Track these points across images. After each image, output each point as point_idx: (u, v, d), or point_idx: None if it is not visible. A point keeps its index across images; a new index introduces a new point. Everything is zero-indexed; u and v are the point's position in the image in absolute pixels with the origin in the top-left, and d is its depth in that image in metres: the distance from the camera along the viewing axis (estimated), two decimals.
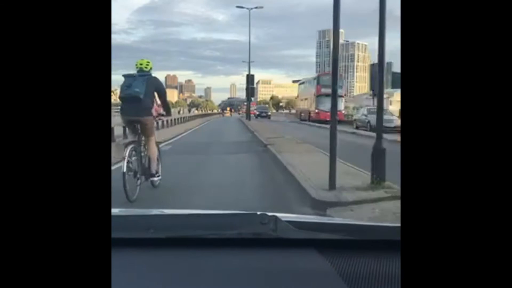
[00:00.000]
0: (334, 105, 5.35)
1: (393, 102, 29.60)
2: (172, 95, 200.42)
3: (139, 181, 4.76)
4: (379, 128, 5.34)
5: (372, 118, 15.41)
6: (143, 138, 4.93)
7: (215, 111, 76.03)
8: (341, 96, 30.17)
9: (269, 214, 0.93)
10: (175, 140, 13.74)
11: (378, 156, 5.01)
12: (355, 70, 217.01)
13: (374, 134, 5.77)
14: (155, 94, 4.95)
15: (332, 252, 0.88)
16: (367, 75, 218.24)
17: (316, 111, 30.92)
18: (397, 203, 3.76)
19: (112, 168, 7.08)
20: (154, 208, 1.96)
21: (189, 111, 46.43)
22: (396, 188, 4.58)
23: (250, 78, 35.51)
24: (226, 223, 0.96)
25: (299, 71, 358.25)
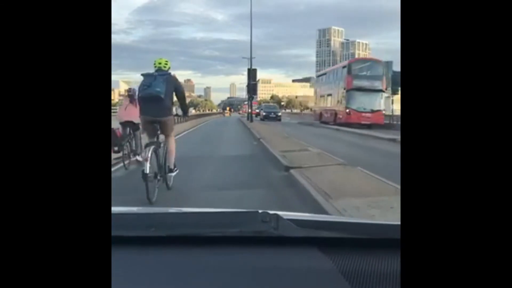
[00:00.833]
0: None
1: (394, 101, 27.11)
2: None
3: (158, 182, 4.75)
4: None
5: None
6: (161, 138, 4.89)
7: (214, 110, 75.87)
8: (381, 91, 23.65)
9: (271, 212, 0.93)
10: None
11: None
12: None
13: None
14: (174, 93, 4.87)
15: (334, 250, 0.88)
16: None
17: (347, 111, 23.38)
18: None
19: (116, 167, 7.13)
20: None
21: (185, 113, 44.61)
22: None
23: (251, 73, 32.03)
24: (227, 221, 0.96)
25: (299, 71, 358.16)
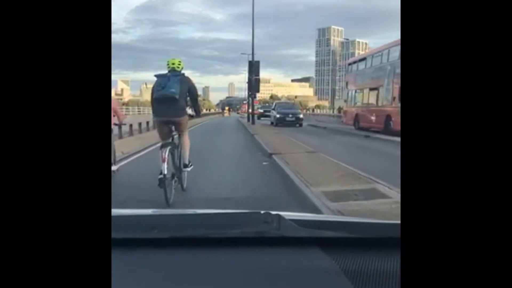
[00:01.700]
0: None
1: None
2: None
3: (175, 184, 4.77)
4: None
5: None
6: (176, 138, 4.93)
7: (213, 110, 75.63)
8: None
9: (273, 212, 0.94)
10: None
11: None
12: None
13: None
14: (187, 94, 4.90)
15: (336, 250, 0.89)
16: None
17: None
18: None
19: (118, 166, 7.15)
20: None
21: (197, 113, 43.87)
22: None
23: (254, 67, 25.62)
24: (229, 222, 0.97)
25: (298, 70, 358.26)
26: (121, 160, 7.84)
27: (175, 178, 4.77)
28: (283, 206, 4.26)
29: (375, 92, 17.52)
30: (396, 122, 14.74)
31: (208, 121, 32.96)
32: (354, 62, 21.36)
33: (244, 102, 77.11)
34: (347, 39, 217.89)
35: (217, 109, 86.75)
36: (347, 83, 21.65)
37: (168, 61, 4.94)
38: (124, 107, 45.65)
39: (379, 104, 17.05)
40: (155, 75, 4.86)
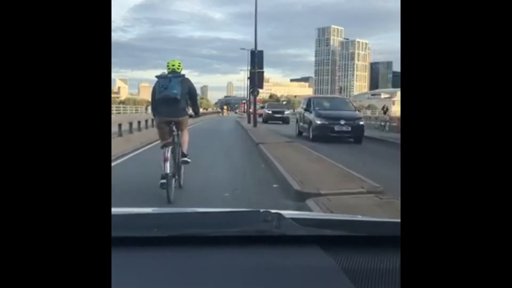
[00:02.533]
0: None
1: (396, 102, 26.44)
2: None
3: (175, 182, 4.96)
4: None
5: None
6: (177, 138, 5.11)
7: (210, 109, 75.42)
8: None
9: (273, 211, 0.95)
10: None
11: None
12: (355, 69, 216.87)
13: None
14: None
15: (336, 248, 0.89)
16: (367, 74, 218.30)
17: None
18: None
19: (118, 161, 7.00)
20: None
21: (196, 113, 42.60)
22: None
23: (257, 57, 20.46)
24: (229, 221, 0.97)
25: (297, 70, 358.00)
26: None
27: (176, 177, 4.95)
28: None
29: None
30: None
31: (204, 121, 29.26)
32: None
33: (243, 101, 76.85)
34: (347, 39, 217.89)
35: (215, 108, 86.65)
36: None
37: (168, 63, 5.14)
38: (121, 105, 45.45)
39: None
40: (156, 76, 5.07)
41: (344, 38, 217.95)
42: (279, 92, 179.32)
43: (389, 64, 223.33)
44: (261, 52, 21.36)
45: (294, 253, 0.90)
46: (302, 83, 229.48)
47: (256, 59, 20.88)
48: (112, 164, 7.29)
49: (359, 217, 1.24)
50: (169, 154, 4.69)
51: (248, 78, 26.15)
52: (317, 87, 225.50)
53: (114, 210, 0.93)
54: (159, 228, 0.94)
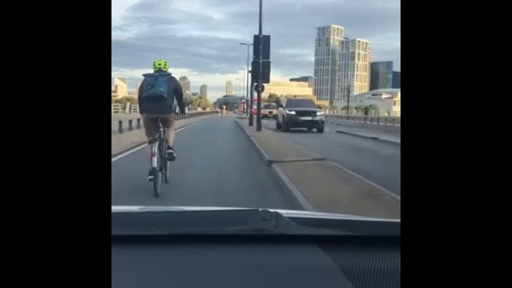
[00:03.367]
0: None
1: (397, 102, 26.64)
2: None
3: (162, 176, 5.27)
4: None
5: None
6: (163, 134, 5.38)
7: (209, 109, 75.10)
8: None
9: (271, 210, 0.95)
10: None
11: None
12: (355, 68, 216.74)
13: None
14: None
15: (334, 248, 0.90)
16: (367, 74, 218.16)
17: None
18: None
19: (120, 156, 7.02)
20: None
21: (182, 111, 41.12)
22: None
23: (263, 43, 16.36)
24: (227, 220, 0.98)
25: (296, 70, 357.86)
26: None
27: (162, 171, 5.28)
28: None
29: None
30: None
31: (196, 123, 26.31)
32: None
33: (243, 100, 76.37)
34: (347, 38, 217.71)
35: (213, 108, 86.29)
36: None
37: (154, 62, 5.40)
38: (119, 104, 45.43)
39: None
40: (143, 75, 5.30)
41: (344, 38, 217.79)
42: (279, 92, 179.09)
43: (389, 64, 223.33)
44: (267, 37, 16.67)
45: (292, 252, 0.90)
46: (302, 82, 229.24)
47: (261, 46, 16.43)
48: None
49: (358, 217, 1.25)
50: (156, 149, 4.97)
51: (249, 72, 20.99)
52: (316, 87, 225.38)
53: (112, 208, 0.93)
54: (158, 227, 0.94)
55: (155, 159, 4.89)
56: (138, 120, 14.27)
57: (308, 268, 0.84)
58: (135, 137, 11.04)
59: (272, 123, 23.07)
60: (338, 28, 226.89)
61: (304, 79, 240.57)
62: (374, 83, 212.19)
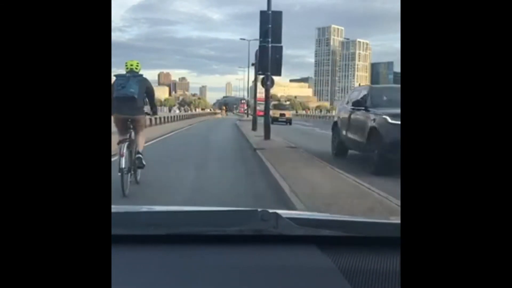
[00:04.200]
0: None
1: None
2: (163, 93, 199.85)
3: (131, 177, 5.32)
4: None
5: None
6: (133, 134, 5.41)
7: (208, 110, 74.74)
8: None
9: (270, 211, 0.95)
10: None
11: None
12: (355, 69, 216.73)
13: None
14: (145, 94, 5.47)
15: (333, 249, 0.90)
16: (368, 75, 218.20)
17: None
18: None
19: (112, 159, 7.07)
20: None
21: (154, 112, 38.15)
22: None
23: (272, 21, 11.68)
24: (226, 220, 0.98)
25: (295, 71, 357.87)
26: None
27: (131, 172, 5.32)
28: None
29: None
30: None
31: (190, 127, 22.16)
32: None
33: (243, 101, 75.86)
34: (348, 39, 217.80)
35: (212, 109, 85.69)
36: None
37: (126, 63, 5.44)
38: None
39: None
40: (115, 75, 5.33)
41: (345, 38, 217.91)
42: (279, 92, 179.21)
43: (389, 64, 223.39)
44: (278, 14, 11.84)
45: (292, 253, 0.91)
46: (302, 83, 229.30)
47: (271, 26, 11.54)
48: None
49: (357, 218, 1.25)
50: (124, 150, 5.01)
51: (252, 64, 16.75)
52: (316, 87, 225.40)
53: (112, 207, 0.94)
54: (156, 227, 0.95)
55: (123, 159, 4.93)
56: (155, 119, 16.00)
57: (307, 268, 0.85)
58: (161, 130, 12.69)
59: (284, 130, 19.27)
60: (338, 29, 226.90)
61: (305, 79, 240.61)
62: (374, 84, 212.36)
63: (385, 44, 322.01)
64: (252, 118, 20.03)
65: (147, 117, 6.12)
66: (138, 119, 5.40)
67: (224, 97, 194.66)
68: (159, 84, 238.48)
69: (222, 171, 7.16)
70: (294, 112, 55.01)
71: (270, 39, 11.74)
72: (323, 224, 1.01)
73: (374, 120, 6.82)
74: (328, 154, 9.13)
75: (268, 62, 11.86)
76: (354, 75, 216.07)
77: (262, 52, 12.19)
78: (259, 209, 0.96)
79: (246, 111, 44.12)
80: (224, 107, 79.18)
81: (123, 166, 4.88)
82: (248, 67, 31.69)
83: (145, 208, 1.33)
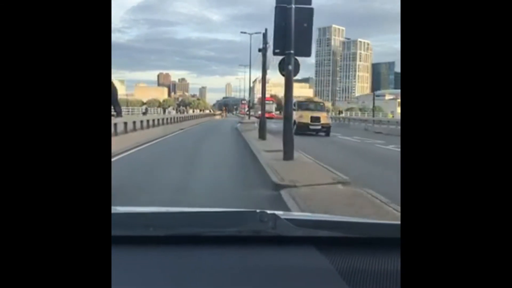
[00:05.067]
0: None
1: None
2: (162, 94, 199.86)
3: None
4: None
5: None
6: None
7: (207, 111, 74.03)
8: None
9: (269, 212, 0.96)
10: None
11: None
12: (357, 69, 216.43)
13: None
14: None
15: (331, 249, 0.91)
16: (369, 75, 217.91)
17: None
18: None
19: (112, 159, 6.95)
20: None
21: (146, 112, 35.32)
22: None
23: None
24: (225, 221, 0.99)
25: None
26: None
27: None
28: None
29: None
30: None
31: (181, 132, 18.52)
32: None
33: (243, 101, 74.99)
34: (349, 39, 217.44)
35: (212, 110, 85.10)
36: None
37: None
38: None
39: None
40: None
41: (346, 38, 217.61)
42: (280, 93, 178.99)
43: (391, 65, 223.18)
44: None
45: (290, 253, 0.92)
46: (303, 84, 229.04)
47: None
48: None
49: (356, 219, 1.26)
50: None
51: (259, 50, 12.17)
52: (317, 88, 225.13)
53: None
54: (155, 228, 0.95)
55: None
56: (134, 122, 12.82)
57: (305, 269, 0.86)
58: (130, 140, 10.04)
59: (306, 138, 14.30)
60: (339, 29, 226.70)
61: (305, 80, 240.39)
62: (376, 84, 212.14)
63: (386, 45, 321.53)
64: (259, 122, 15.03)
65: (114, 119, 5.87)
66: None
67: (224, 98, 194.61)
68: (159, 84, 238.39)
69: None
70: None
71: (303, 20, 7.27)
72: (321, 225, 1.02)
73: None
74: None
75: (290, 33, 7.17)
76: (355, 76, 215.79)
77: (280, 18, 7.34)
78: (257, 210, 0.97)
79: (247, 113, 43.72)
80: (223, 108, 78.63)
81: None
82: (250, 64, 30.91)
83: (143, 209, 1.34)
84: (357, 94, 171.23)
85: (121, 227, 0.92)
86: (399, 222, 0.79)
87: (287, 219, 0.96)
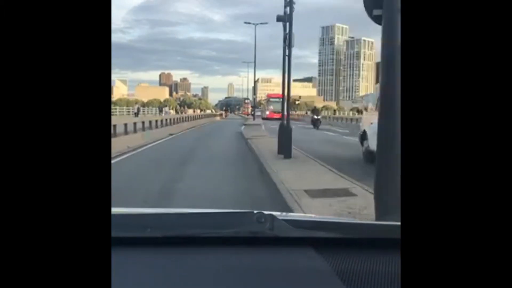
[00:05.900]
0: None
1: None
2: (163, 93, 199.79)
3: None
4: None
5: None
6: None
7: (209, 111, 73.11)
8: None
9: (266, 212, 0.96)
10: None
11: None
12: (361, 68, 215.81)
13: None
14: None
15: (329, 250, 0.91)
16: (373, 74, 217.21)
17: None
18: None
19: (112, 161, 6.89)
20: None
21: (138, 113, 34.55)
22: None
23: None
24: (222, 222, 0.99)
25: (297, 71, 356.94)
26: None
27: None
28: None
29: None
30: None
31: (172, 138, 16.19)
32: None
33: (246, 100, 73.99)
34: (352, 38, 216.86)
35: (213, 110, 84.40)
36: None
37: None
38: (116, 106, 45.06)
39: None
40: None
41: (349, 37, 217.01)
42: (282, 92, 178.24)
43: None
44: None
45: (288, 254, 0.92)
46: (306, 83, 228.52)
47: None
48: None
49: (354, 220, 1.26)
50: None
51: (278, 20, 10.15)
52: (320, 87, 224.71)
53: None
54: (152, 228, 0.96)
55: None
56: (135, 124, 13.54)
57: (303, 270, 0.86)
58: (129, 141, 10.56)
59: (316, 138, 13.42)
60: (342, 27, 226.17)
61: (308, 79, 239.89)
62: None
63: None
64: (279, 135, 9.74)
65: None
66: None
67: (226, 97, 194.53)
68: (160, 84, 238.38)
69: None
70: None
71: None
72: (319, 226, 1.02)
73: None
74: None
75: None
76: (359, 75, 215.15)
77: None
78: (255, 211, 0.97)
79: (251, 113, 43.35)
80: (224, 109, 77.73)
81: None
82: (255, 61, 30.44)
83: (140, 211, 1.34)
84: (361, 94, 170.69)
85: (117, 228, 0.92)
86: (399, 223, 0.79)
87: (284, 220, 0.96)
